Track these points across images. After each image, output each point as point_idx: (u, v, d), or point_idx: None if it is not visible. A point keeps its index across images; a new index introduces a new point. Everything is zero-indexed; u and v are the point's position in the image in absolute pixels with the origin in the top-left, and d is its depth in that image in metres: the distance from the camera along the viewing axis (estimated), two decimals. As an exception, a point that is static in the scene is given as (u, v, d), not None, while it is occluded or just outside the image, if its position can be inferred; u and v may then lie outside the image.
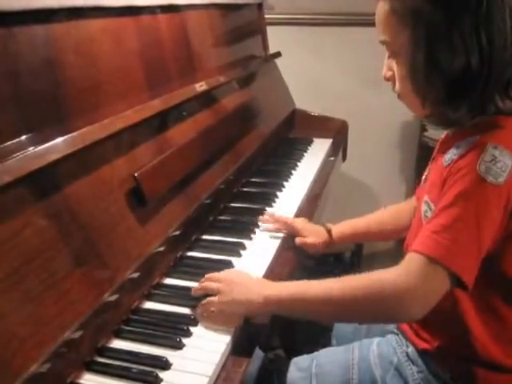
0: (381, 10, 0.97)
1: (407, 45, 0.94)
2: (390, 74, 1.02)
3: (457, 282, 0.88)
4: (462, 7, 0.88)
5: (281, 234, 1.37)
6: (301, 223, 1.41)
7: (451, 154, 0.94)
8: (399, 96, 1.03)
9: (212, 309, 1.01)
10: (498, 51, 0.88)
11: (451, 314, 0.98)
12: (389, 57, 1.01)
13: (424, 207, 1.01)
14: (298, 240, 1.36)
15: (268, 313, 1.02)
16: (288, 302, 0.99)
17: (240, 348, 0.96)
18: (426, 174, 1.12)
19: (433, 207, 0.97)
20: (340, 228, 1.42)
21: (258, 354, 0.99)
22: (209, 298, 1.02)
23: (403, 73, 0.98)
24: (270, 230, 1.40)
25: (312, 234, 1.38)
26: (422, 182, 1.12)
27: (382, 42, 1.00)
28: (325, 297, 0.96)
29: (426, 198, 1.01)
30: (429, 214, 0.98)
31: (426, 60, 0.92)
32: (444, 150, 0.99)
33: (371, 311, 0.95)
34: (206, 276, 1.09)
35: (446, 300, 0.91)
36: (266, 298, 0.98)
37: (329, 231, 1.39)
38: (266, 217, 1.44)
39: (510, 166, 0.88)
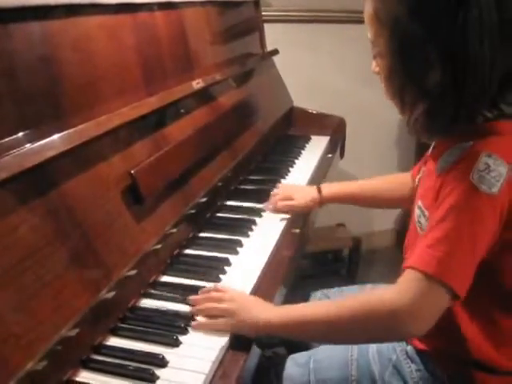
0: (366, 10, 0.98)
1: (385, 50, 0.95)
2: (377, 69, 1.02)
3: (452, 294, 0.87)
4: (439, 22, 0.87)
5: (278, 232, 1.36)
6: (290, 188, 1.53)
7: (443, 162, 0.93)
8: (385, 93, 1.04)
9: (211, 324, 0.99)
10: (473, 66, 0.86)
11: (448, 319, 0.97)
12: (373, 55, 1.02)
13: (417, 212, 1.01)
14: (279, 205, 1.45)
15: (268, 335, 0.99)
16: (291, 327, 0.96)
17: (237, 345, 0.96)
18: (419, 177, 1.11)
19: (426, 213, 0.96)
20: (331, 186, 1.49)
21: (256, 350, 0.99)
22: (210, 322, 0.99)
23: (384, 73, 0.99)
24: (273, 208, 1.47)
25: (299, 193, 1.48)
26: (416, 185, 1.12)
27: (369, 40, 1.01)
28: (327, 320, 0.93)
29: (419, 202, 1.01)
30: (422, 220, 0.98)
31: (400, 69, 0.93)
32: (436, 154, 0.98)
33: (374, 331, 0.93)
34: (204, 297, 1.04)
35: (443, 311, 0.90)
36: (268, 322, 0.96)
37: (319, 189, 1.46)
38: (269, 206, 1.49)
39: (505, 174, 0.86)
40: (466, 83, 0.87)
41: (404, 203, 1.39)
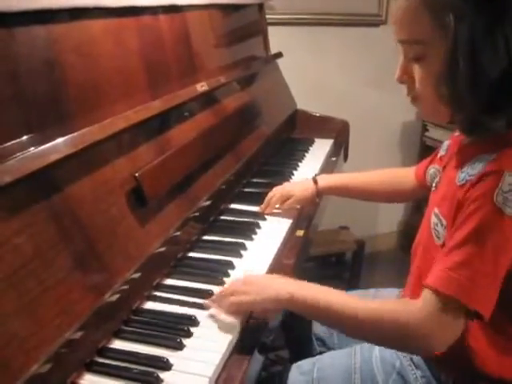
0: (406, 5, 0.90)
1: (444, 47, 0.87)
2: (405, 77, 0.96)
3: (475, 315, 0.87)
4: (505, 9, 0.83)
5: (282, 235, 1.36)
6: (289, 188, 1.50)
7: (465, 174, 0.90)
8: (415, 99, 0.98)
9: (236, 306, 1.00)
10: None
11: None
12: (410, 59, 0.94)
13: (434, 219, 0.99)
14: (282, 205, 1.45)
15: (288, 309, 1.00)
16: (311, 306, 0.96)
17: (241, 348, 0.96)
18: (436, 181, 1.09)
19: (444, 222, 0.95)
20: (328, 178, 1.50)
21: (260, 354, 0.99)
22: (238, 299, 0.99)
23: (431, 77, 0.91)
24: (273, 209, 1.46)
25: (297, 187, 1.48)
26: (433, 187, 1.10)
27: (403, 42, 0.94)
28: (350, 313, 0.93)
29: (436, 210, 0.99)
30: (439, 229, 0.96)
31: (468, 64, 0.85)
32: (459, 163, 0.96)
33: (390, 341, 0.95)
34: (221, 293, 1.04)
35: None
36: (292, 294, 0.96)
37: (315, 180, 1.47)
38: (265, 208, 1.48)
39: None
40: None
41: (400, 198, 1.45)
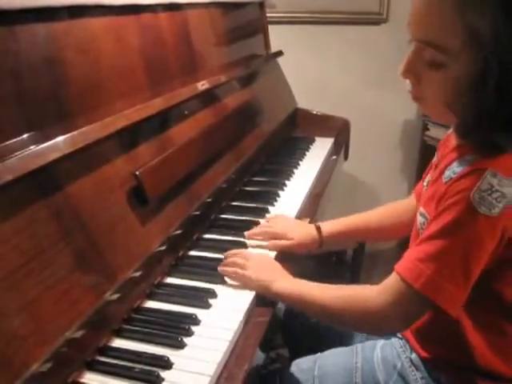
0: (441, 6, 0.84)
1: (473, 68, 0.83)
2: (410, 75, 0.92)
3: (439, 308, 0.88)
4: None
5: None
6: (282, 227, 1.31)
7: (451, 172, 0.91)
8: (417, 99, 0.96)
9: (236, 275, 1.12)
10: None
11: (451, 329, 0.97)
12: (422, 60, 0.89)
13: (420, 219, 1.00)
14: (270, 244, 1.28)
15: (276, 300, 1.09)
16: (297, 300, 1.05)
17: (242, 347, 0.96)
18: (427, 180, 1.09)
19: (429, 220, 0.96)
20: (331, 225, 1.35)
21: (260, 353, 0.99)
22: (235, 269, 1.12)
23: (444, 86, 0.89)
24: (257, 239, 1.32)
25: (295, 230, 1.31)
26: (424, 186, 1.10)
27: (421, 42, 0.88)
28: (320, 303, 1.01)
29: (421, 209, 1.00)
30: (425, 227, 0.96)
31: (495, 91, 0.82)
32: (446, 163, 0.96)
33: (356, 322, 1.00)
34: (235, 251, 1.20)
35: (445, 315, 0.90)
36: (278, 289, 1.06)
37: (318, 228, 1.33)
38: (254, 231, 1.33)
39: (508, 196, 0.84)
40: None
41: (404, 230, 1.29)
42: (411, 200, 1.29)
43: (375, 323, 0.96)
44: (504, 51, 0.80)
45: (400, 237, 1.37)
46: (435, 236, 0.87)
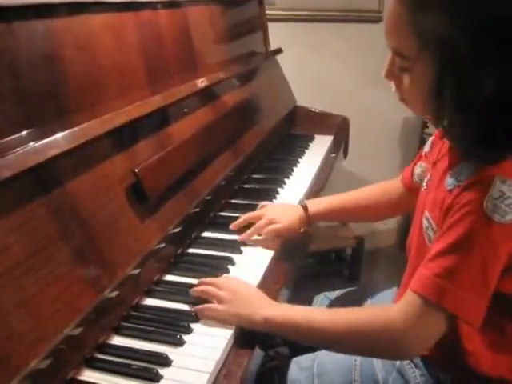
0: (397, 18, 0.88)
1: (429, 69, 0.86)
2: (392, 76, 0.95)
3: (463, 322, 0.88)
4: (495, 39, 0.81)
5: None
6: (270, 213, 1.33)
7: (454, 179, 0.90)
8: (403, 100, 0.97)
9: (209, 314, 1.00)
10: None
11: (453, 331, 0.96)
12: (398, 68, 0.93)
13: (425, 223, 0.99)
14: (264, 231, 1.28)
15: (266, 331, 0.99)
16: (291, 328, 0.97)
17: (241, 344, 0.96)
18: (426, 180, 1.07)
19: (434, 227, 0.95)
20: (319, 202, 1.37)
21: (259, 350, 0.99)
22: (207, 305, 1.01)
23: (418, 90, 0.91)
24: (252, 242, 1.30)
25: (284, 215, 1.32)
26: (424, 187, 1.08)
27: (391, 49, 0.93)
28: (329, 329, 0.94)
29: (427, 213, 0.98)
30: (430, 233, 0.96)
31: (452, 92, 0.84)
32: (448, 164, 0.95)
33: (371, 349, 0.95)
34: (205, 280, 1.07)
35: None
36: (266, 319, 0.96)
37: (304, 207, 1.34)
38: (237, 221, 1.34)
39: None
40: None
41: (389, 211, 1.35)
42: (397, 183, 1.31)
43: (392, 346, 0.92)
44: (455, 53, 0.82)
45: (387, 217, 1.43)
46: (450, 249, 0.85)
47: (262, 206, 1.40)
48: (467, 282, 0.85)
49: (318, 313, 1.00)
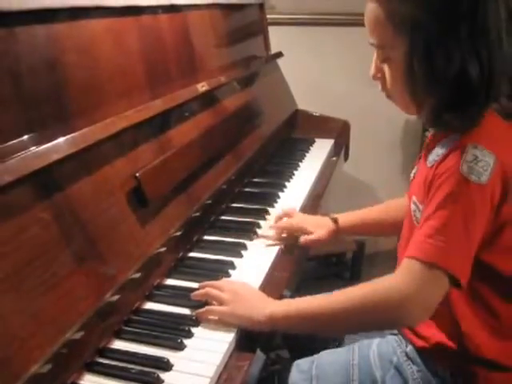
0: (373, 13, 0.97)
1: (403, 52, 0.95)
2: (379, 75, 1.03)
3: (453, 281, 0.90)
4: (458, 16, 0.89)
5: (282, 235, 1.36)
6: (301, 221, 1.36)
7: (434, 155, 0.96)
8: (389, 96, 1.05)
9: (211, 317, 1.00)
10: (495, 59, 0.90)
11: (448, 312, 0.98)
12: (380, 60, 1.01)
13: (413, 207, 1.03)
14: (302, 240, 1.32)
15: (271, 329, 0.99)
16: (296, 318, 0.98)
17: (242, 348, 0.96)
18: (414, 172, 1.12)
19: (421, 207, 0.98)
20: (348, 217, 1.37)
21: (260, 354, 0.99)
22: (209, 307, 1.01)
23: (397, 77, 0.98)
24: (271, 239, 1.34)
25: (316, 228, 1.33)
26: (411, 180, 1.12)
27: (373, 45, 1.01)
28: (333, 311, 0.96)
29: (413, 198, 1.03)
30: (418, 215, 1.00)
31: (423, 68, 0.92)
32: (429, 149, 1.01)
33: (377, 320, 0.97)
34: (207, 283, 1.07)
35: (443, 298, 0.92)
36: (270, 316, 0.97)
37: (335, 220, 1.35)
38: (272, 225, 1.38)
39: (492, 164, 0.90)
40: (491, 74, 0.90)
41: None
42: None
43: (398, 313, 0.93)
44: (424, 33, 0.91)
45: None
46: (436, 210, 0.90)
47: (285, 214, 1.40)
48: (453, 238, 0.89)
49: (322, 297, 1.01)
